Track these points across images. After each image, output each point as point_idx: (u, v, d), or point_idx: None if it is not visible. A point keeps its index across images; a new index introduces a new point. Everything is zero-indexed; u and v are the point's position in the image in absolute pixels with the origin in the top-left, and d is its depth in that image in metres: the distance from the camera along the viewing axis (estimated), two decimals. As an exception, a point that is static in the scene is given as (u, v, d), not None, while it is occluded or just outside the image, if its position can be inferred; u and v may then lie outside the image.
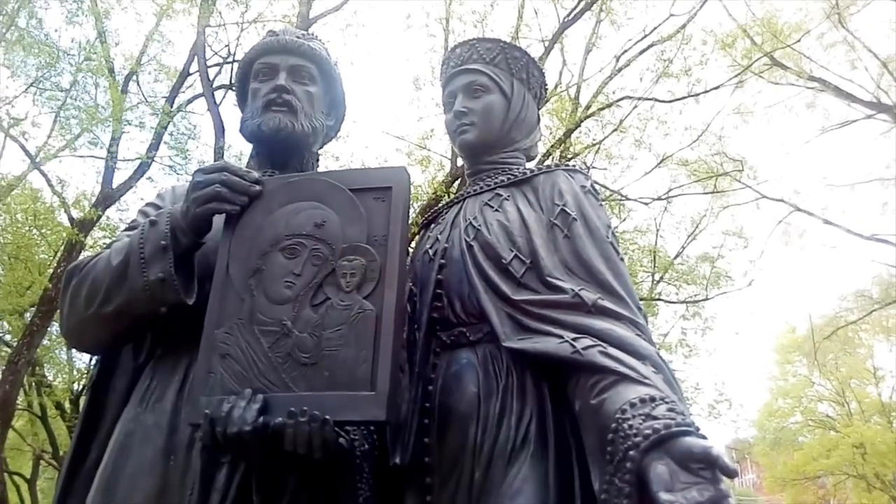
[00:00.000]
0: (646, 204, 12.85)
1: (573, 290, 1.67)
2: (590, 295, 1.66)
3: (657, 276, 13.35)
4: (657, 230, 13.38)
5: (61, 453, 12.51)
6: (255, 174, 1.77)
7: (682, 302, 13.96)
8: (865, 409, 19.71)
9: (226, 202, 1.68)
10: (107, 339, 1.80)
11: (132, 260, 1.69)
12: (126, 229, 1.94)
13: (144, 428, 1.69)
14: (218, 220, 1.73)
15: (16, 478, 14.77)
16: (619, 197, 12.51)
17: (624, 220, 13.14)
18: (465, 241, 1.85)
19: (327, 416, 1.42)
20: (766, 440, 21.18)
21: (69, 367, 13.48)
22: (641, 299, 1.74)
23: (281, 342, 1.53)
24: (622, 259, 1.81)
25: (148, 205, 2.02)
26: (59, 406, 12.81)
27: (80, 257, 1.85)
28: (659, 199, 12.98)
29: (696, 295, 13.92)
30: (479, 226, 1.86)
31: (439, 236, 1.95)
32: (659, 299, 13.44)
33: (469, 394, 1.69)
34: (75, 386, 13.16)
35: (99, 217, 9.87)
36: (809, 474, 18.91)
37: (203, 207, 1.68)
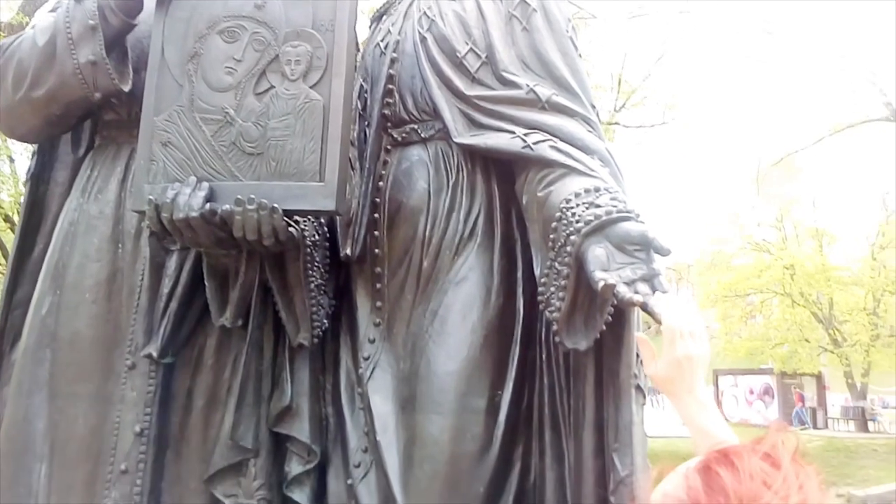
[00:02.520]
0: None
1: (528, 86, 1.63)
2: (544, 91, 1.63)
3: (619, 103, 13.19)
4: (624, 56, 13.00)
5: (15, 263, 12.50)
6: None
7: (640, 126, 13.96)
8: (800, 234, 20.78)
9: None
10: (40, 126, 1.72)
11: (59, 41, 1.58)
12: (50, 10, 1.78)
13: (88, 217, 1.68)
14: (149, 2, 1.60)
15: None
16: (588, 15, 11.98)
17: (590, 42, 12.68)
18: (419, 32, 1.75)
19: (276, 205, 1.42)
20: (702, 262, 22.36)
21: (13, 179, 13.10)
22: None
23: (224, 130, 1.49)
24: (580, 55, 1.75)
25: (71, -17, 1.84)
26: (7, 219, 12.62)
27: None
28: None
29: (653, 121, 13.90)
30: (434, 16, 1.75)
31: (391, 28, 1.84)
32: (617, 124, 13.39)
33: (419, 189, 1.70)
34: (22, 200, 12.87)
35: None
36: (740, 292, 20.24)
37: None
